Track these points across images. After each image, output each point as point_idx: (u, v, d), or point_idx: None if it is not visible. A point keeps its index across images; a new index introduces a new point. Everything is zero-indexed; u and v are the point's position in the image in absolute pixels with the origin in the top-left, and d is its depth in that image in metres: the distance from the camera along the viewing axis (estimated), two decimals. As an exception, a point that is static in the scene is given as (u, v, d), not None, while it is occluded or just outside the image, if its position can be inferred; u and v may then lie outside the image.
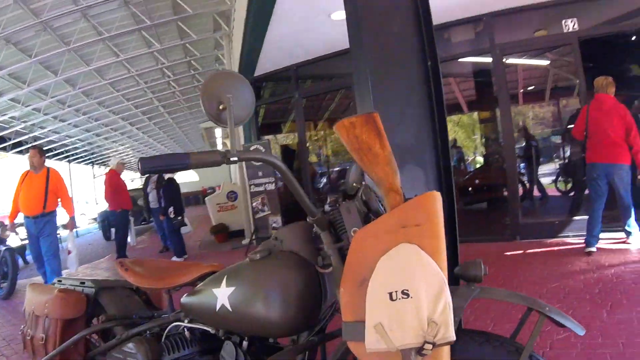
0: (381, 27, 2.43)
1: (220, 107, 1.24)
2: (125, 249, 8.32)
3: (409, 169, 2.37)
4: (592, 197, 4.78)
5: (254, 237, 7.49)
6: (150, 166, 1.14)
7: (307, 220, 1.29)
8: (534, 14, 5.95)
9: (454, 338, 0.94)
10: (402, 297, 0.98)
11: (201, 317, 1.58)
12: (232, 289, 1.38)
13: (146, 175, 8.51)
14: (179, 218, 7.92)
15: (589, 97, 5.11)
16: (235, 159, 1.18)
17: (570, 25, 5.54)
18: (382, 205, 1.21)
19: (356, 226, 1.20)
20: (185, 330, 1.68)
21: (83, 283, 2.17)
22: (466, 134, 10.87)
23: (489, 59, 6.11)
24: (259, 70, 7.83)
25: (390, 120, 2.41)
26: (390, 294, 0.99)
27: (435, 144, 2.47)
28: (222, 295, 1.40)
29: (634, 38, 6.02)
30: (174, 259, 7.72)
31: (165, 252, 9.13)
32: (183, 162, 1.15)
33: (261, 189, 7.41)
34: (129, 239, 9.71)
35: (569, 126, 6.32)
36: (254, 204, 7.56)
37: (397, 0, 2.45)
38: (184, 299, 1.63)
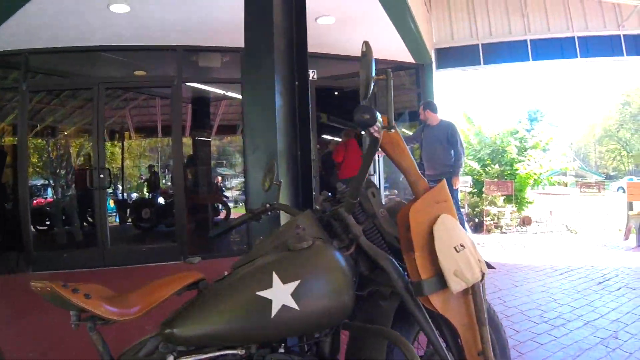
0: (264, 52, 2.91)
1: None
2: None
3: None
4: None
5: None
6: None
7: (313, 209, 1.60)
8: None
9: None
10: (462, 248, 1.46)
11: (222, 336, 1.26)
12: (294, 284, 1.27)
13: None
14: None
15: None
16: None
17: (311, 74, 6.91)
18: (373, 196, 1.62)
19: (381, 207, 1.60)
20: None
21: None
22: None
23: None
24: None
25: (260, 127, 2.91)
26: (455, 247, 1.45)
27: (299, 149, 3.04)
28: (281, 294, 1.25)
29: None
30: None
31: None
32: None
33: None
34: None
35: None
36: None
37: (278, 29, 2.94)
38: (176, 323, 1.25)
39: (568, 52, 9.82)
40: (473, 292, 1.51)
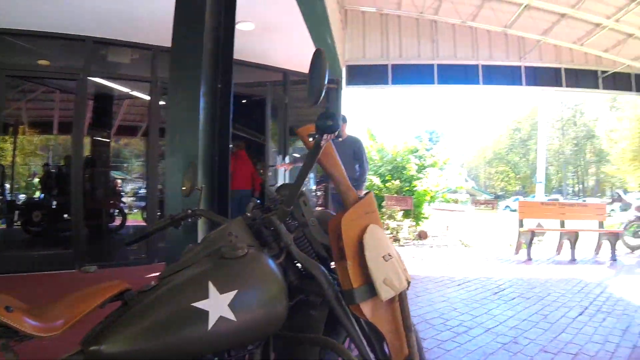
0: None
1: None
2: None
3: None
4: None
5: None
6: None
7: (245, 215, 1.53)
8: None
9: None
10: (389, 258, 1.54)
11: (155, 351, 1.13)
12: (231, 294, 1.20)
13: None
14: None
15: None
16: None
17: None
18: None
19: (312, 216, 1.61)
20: None
21: None
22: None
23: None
24: None
25: (182, 128, 2.80)
26: (383, 256, 1.47)
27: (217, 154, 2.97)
28: (218, 305, 1.18)
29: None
30: None
31: None
32: None
33: None
34: None
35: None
36: None
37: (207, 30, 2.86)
38: (102, 339, 1.11)
39: (472, 78, 10.63)
40: (400, 300, 1.54)
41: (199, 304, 1.16)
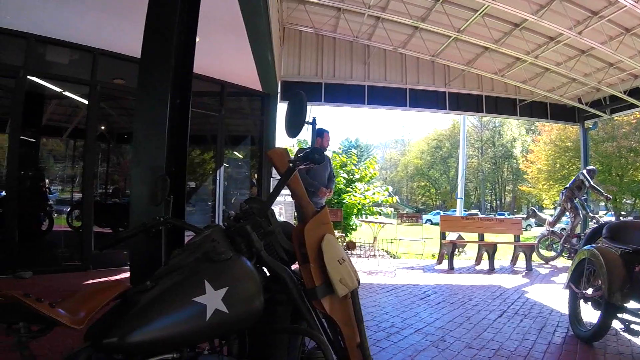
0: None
1: None
2: None
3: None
4: None
5: None
6: None
7: (223, 224, 1.78)
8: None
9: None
10: (343, 261, 1.86)
11: (164, 341, 1.29)
12: (224, 290, 1.39)
13: None
14: None
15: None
16: None
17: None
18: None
19: (278, 226, 1.92)
20: None
21: None
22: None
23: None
24: None
25: (148, 141, 2.93)
26: (339, 260, 1.76)
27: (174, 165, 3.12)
28: (213, 300, 1.36)
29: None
30: None
31: None
32: None
33: None
34: None
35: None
36: None
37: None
38: (117, 332, 1.23)
39: (400, 101, 11.29)
40: (352, 296, 1.85)
41: (198, 299, 1.34)
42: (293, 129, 1.73)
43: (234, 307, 1.39)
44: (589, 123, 12.76)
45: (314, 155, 1.61)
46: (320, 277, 1.73)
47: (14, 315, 1.14)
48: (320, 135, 6.33)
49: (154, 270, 1.51)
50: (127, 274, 6.17)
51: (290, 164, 1.67)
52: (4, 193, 6.29)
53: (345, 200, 12.65)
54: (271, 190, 1.75)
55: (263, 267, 1.73)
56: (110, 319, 1.30)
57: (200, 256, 1.51)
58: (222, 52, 7.13)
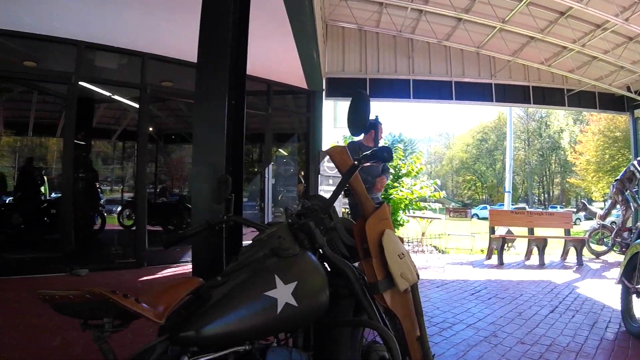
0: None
1: None
2: None
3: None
4: None
5: None
6: None
7: (286, 221, 1.80)
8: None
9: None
10: (403, 256, 1.91)
11: (238, 333, 1.37)
12: (293, 284, 1.44)
13: None
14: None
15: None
16: None
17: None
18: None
19: (339, 222, 1.97)
20: None
21: None
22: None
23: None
24: None
25: (208, 142, 3.08)
26: (399, 255, 1.89)
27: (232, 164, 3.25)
28: (284, 294, 1.42)
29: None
30: None
31: None
32: None
33: None
34: None
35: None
36: None
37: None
38: (194, 325, 1.31)
39: (445, 94, 11.16)
40: (413, 290, 1.90)
41: (270, 293, 1.40)
42: (355, 127, 1.81)
43: (303, 301, 1.44)
44: (639, 112, 12.24)
45: (383, 153, 1.65)
46: (381, 271, 1.77)
47: (101, 311, 1.20)
48: (374, 127, 6.17)
49: (215, 265, 1.62)
50: (180, 270, 6.48)
51: (355, 162, 1.73)
52: (59, 194, 6.65)
53: (392, 196, 12.60)
54: (334, 188, 1.81)
55: (324, 262, 1.78)
56: (185, 313, 1.37)
57: (268, 252, 1.57)
58: (268, 52, 7.22)
